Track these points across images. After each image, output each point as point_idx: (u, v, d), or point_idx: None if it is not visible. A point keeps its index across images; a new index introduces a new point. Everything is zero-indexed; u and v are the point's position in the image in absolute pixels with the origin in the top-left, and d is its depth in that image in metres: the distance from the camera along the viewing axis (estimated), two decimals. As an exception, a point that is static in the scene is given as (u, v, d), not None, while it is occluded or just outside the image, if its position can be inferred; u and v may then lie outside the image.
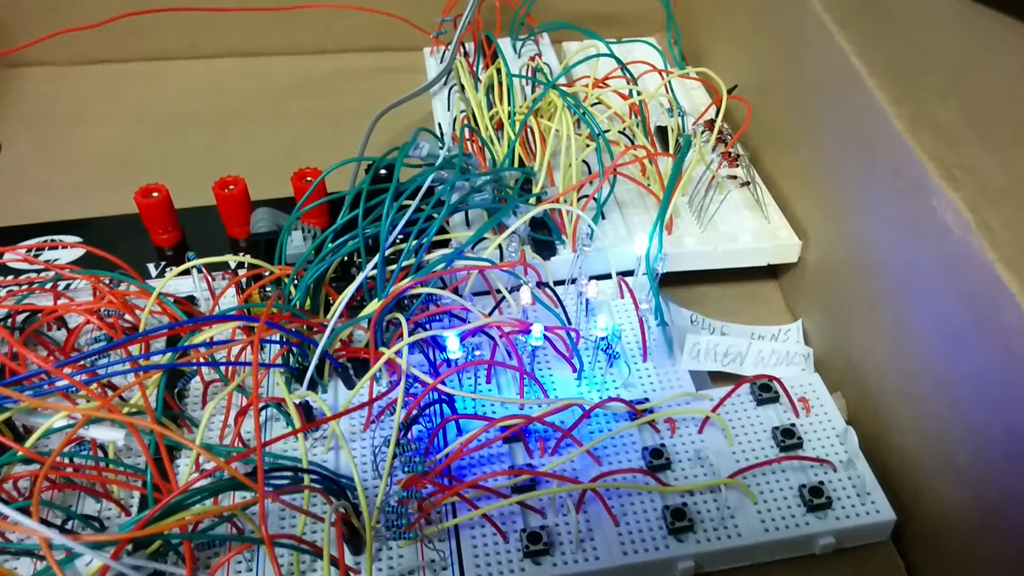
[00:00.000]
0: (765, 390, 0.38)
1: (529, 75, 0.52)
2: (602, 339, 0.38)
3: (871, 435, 0.37)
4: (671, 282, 0.45)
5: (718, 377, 0.41)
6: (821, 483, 0.35)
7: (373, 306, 0.38)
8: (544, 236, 0.44)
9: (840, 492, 0.35)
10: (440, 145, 0.44)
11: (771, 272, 0.48)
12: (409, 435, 0.35)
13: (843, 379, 0.40)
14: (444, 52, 0.58)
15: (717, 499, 0.35)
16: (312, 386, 0.38)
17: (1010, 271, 0.28)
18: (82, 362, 0.36)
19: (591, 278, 0.40)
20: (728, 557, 0.34)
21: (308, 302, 0.39)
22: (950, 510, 0.33)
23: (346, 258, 0.40)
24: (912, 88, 0.36)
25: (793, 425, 0.37)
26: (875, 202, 0.37)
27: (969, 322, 0.31)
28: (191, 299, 0.43)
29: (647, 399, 0.38)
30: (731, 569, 0.34)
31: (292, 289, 0.39)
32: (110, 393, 0.35)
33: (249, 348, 0.38)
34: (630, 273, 0.43)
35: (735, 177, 0.47)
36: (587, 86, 0.50)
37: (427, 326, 0.40)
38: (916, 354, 0.34)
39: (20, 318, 0.41)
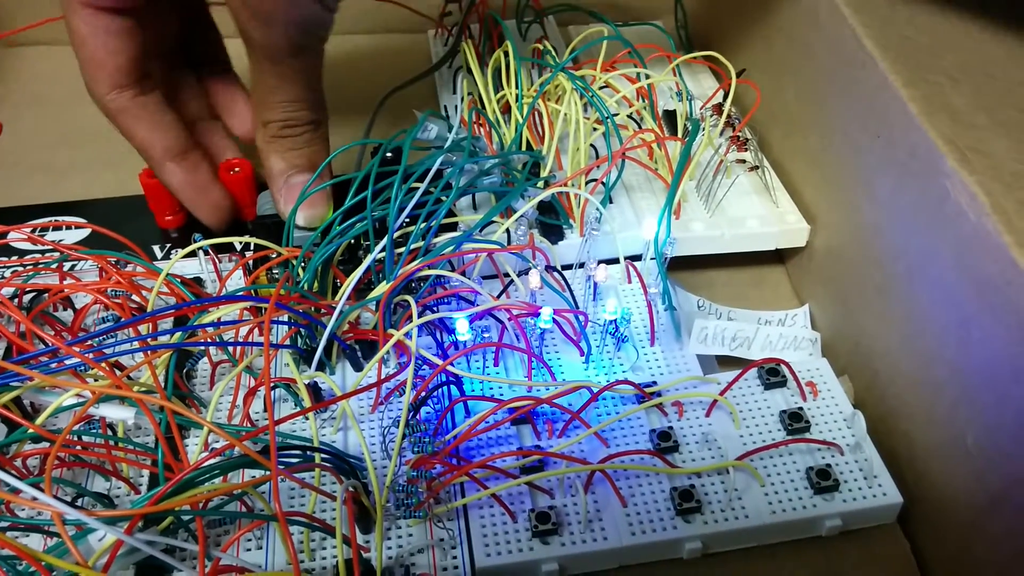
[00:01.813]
0: (773, 374, 0.39)
1: (536, 58, 0.52)
2: (610, 323, 0.38)
3: (878, 418, 0.37)
4: (678, 267, 0.45)
5: (725, 361, 0.41)
6: (828, 466, 0.35)
7: (382, 288, 0.38)
8: (552, 220, 0.44)
9: (847, 475, 0.35)
10: (448, 128, 0.44)
11: (778, 257, 0.48)
12: (418, 416, 0.35)
13: (850, 363, 0.40)
14: (448, 36, 0.57)
15: (724, 481, 0.35)
16: (320, 367, 0.38)
17: (1026, 254, 0.28)
18: (91, 341, 0.36)
19: (599, 262, 0.40)
20: (735, 538, 0.34)
21: (316, 284, 0.39)
22: (957, 493, 0.33)
23: (353, 241, 0.40)
24: (925, 71, 0.35)
25: (801, 409, 0.37)
26: (886, 185, 0.37)
27: (983, 306, 0.31)
28: (198, 281, 0.43)
29: (655, 382, 0.39)
30: (738, 550, 0.35)
31: (300, 271, 0.39)
32: (119, 372, 0.35)
33: (257, 329, 0.38)
34: (637, 258, 0.43)
35: (744, 161, 0.47)
36: (595, 69, 0.50)
37: (435, 308, 0.40)
38: (927, 339, 0.34)
39: (26, 298, 0.41)
